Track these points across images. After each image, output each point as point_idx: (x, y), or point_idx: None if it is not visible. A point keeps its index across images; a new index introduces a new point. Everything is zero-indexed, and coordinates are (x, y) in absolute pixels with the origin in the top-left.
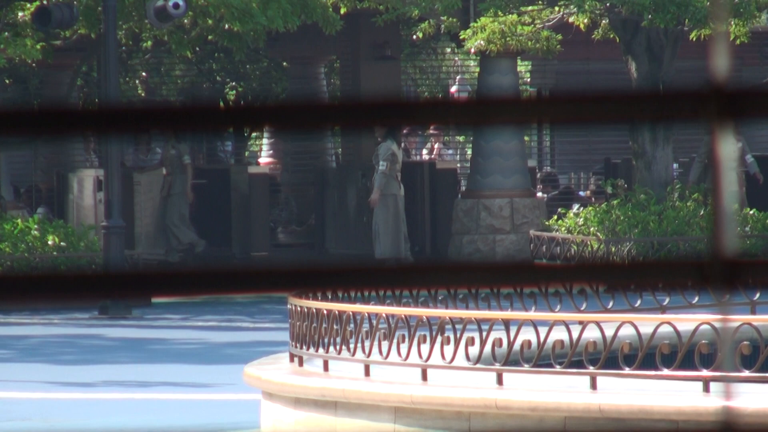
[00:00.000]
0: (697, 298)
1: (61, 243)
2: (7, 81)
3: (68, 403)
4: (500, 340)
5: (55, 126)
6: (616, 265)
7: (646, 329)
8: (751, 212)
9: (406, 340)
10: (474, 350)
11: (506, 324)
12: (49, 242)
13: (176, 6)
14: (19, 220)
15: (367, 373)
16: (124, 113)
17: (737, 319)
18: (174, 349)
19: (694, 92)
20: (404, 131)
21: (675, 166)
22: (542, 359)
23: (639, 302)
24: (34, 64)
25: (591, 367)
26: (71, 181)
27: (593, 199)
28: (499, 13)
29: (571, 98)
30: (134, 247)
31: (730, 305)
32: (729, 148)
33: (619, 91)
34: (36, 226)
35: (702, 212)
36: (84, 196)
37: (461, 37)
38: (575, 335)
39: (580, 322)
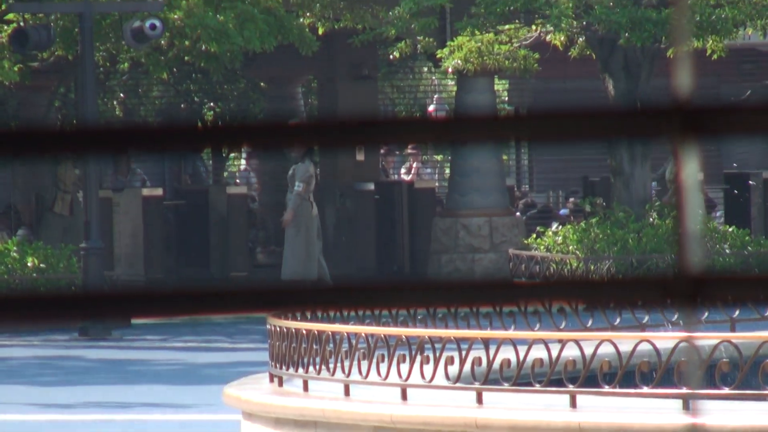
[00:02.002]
0: (676, 316)
1: (41, 265)
2: None
3: (48, 425)
4: (479, 359)
5: (32, 147)
6: (583, 281)
7: (625, 347)
8: (730, 230)
9: (386, 359)
10: (453, 369)
11: (485, 343)
12: (29, 264)
13: (153, 27)
14: None
15: (346, 392)
16: (102, 133)
17: (715, 337)
18: (154, 370)
19: (657, 109)
20: (382, 151)
21: (653, 184)
22: (522, 378)
23: (618, 320)
24: (11, 86)
25: (570, 386)
26: (49, 202)
27: (572, 217)
28: (476, 32)
29: (535, 116)
30: (113, 268)
31: (699, 323)
32: (693, 165)
33: (584, 108)
34: (15, 248)
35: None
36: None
37: (438, 57)
38: (555, 354)
39: (560, 341)
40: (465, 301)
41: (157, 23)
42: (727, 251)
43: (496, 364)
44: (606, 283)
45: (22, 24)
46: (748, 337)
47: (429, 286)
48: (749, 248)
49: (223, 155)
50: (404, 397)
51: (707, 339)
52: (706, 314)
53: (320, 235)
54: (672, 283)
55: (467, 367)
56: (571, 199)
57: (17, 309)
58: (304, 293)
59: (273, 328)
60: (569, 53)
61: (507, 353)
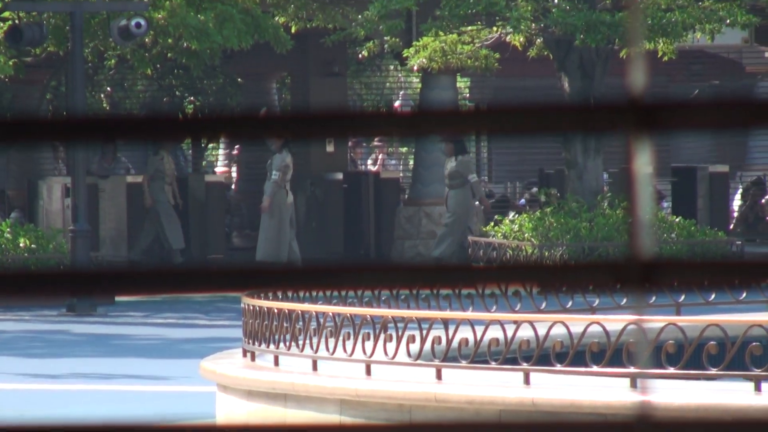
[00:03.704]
0: (625, 300)
1: (32, 245)
2: None
3: (36, 394)
4: (439, 338)
5: (26, 135)
6: (539, 266)
7: (576, 329)
8: (677, 220)
9: (352, 337)
10: (415, 347)
11: (445, 323)
12: (21, 244)
13: (138, 26)
14: None
15: (314, 368)
16: (89, 123)
17: (661, 320)
18: (135, 345)
19: (612, 105)
20: (350, 143)
21: (605, 176)
22: (479, 356)
23: (570, 303)
24: (6, 79)
25: (525, 364)
26: (41, 188)
27: (528, 207)
28: (440, 33)
29: (495, 110)
30: (99, 249)
31: (647, 307)
32: (644, 158)
33: (542, 104)
34: (8, 230)
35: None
36: (53, 201)
37: (404, 56)
38: (510, 334)
39: (515, 322)
40: (426, 283)
41: (142, 22)
42: (675, 239)
43: (455, 343)
44: (559, 267)
45: (16, 21)
46: (693, 320)
47: (392, 268)
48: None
49: (202, 145)
50: (368, 372)
51: (654, 322)
52: (654, 298)
53: (294, 222)
54: (622, 268)
55: (428, 345)
56: (527, 190)
57: (10, 286)
58: (276, 274)
59: (246, 307)
60: (528, 53)
61: (465, 333)
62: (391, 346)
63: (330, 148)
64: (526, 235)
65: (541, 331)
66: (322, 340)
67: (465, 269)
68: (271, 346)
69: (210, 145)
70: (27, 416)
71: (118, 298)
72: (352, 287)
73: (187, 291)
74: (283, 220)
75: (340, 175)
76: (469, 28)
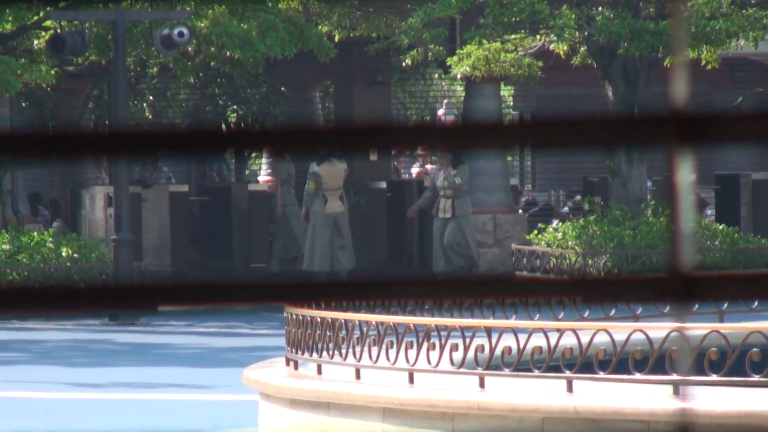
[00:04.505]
0: (668, 308)
1: (74, 255)
2: (23, 104)
3: (79, 403)
4: (482, 346)
5: (68, 149)
6: (582, 279)
7: (619, 336)
8: (721, 227)
9: (395, 345)
10: (458, 355)
11: (488, 331)
12: (63, 254)
13: (181, 34)
14: (35, 233)
15: (357, 376)
16: (132, 137)
17: (704, 327)
18: (178, 354)
19: (653, 117)
20: (393, 152)
21: (648, 184)
22: (522, 364)
23: (613, 311)
24: (48, 89)
25: (568, 372)
26: (84, 197)
27: (572, 215)
28: (484, 41)
29: (536, 123)
30: (142, 259)
31: (690, 314)
32: (686, 171)
33: (582, 116)
34: (51, 239)
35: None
36: (95, 211)
37: (448, 64)
38: (553, 342)
39: (558, 330)
40: (470, 294)
41: (185, 31)
42: (718, 247)
43: (498, 351)
44: (601, 281)
45: (58, 30)
46: (736, 327)
47: (437, 282)
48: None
49: (245, 155)
50: (411, 380)
51: (697, 329)
52: (697, 306)
53: (341, 231)
54: (663, 282)
55: (471, 353)
56: (570, 199)
57: (54, 299)
58: (319, 287)
59: (290, 316)
60: (571, 61)
61: (508, 341)
62: (434, 355)
63: (373, 157)
64: (569, 243)
65: (585, 339)
66: (365, 348)
67: (508, 282)
68: (314, 355)
69: (253, 154)
70: (69, 427)
71: (160, 308)
72: (396, 298)
73: (230, 303)
74: (317, 228)
75: (383, 184)
76: (513, 36)
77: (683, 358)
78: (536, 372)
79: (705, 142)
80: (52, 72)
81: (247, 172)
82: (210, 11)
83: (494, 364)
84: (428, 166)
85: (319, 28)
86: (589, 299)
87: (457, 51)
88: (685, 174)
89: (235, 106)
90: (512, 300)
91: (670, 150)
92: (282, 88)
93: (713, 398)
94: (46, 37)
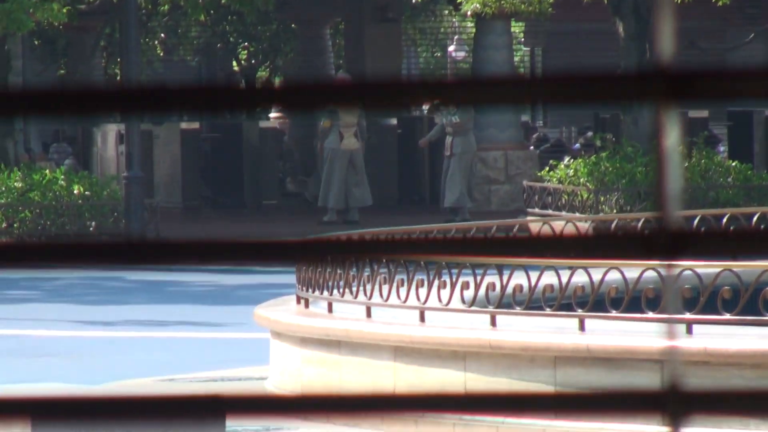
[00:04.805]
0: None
1: (86, 192)
2: (36, 42)
3: (92, 341)
4: (493, 284)
5: (81, 106)
6: (570, 237)
7: (632, 274)
8: (733, 164)
9: (405, 284)
10: (469, 294)
11: (499, 269)
12: (75, 191)
13: None
14: (47, 171)
15: (368, 314)
16: (145, 93)
17: (717, 265)
18: (190, 291)
19: (640, 73)
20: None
21: None
22: (533, 302)
23: None
24: (60, 27)
25: (580, 310)
26: (95, 135)
27: (583, 151)
28: None
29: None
30: (153, 196)
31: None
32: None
33: (571, 73)
34: (63, 177)
35: (686, 164)
36: (107, 148)
37: (458, 0)
38: (564, 280)
39: (570, 267)
40: (467, 252)
41: None
42: (731, 184)
43: (509, 289)
44: (588, 239)
45: None
46: (749, 266)
47: (452, 240)
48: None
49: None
50: (422, 319)
51: (710, 268)
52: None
53: (356, 167)
54: (649, 239)
55: (482, 291)
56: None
57: (64, 253)
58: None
59: None
60: None
61: (519, 279)
62: (445, 293)
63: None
64: (581, 180)
65: (596, 277)
66: (376, 286)
67: (503, 241)
68: (325, 293)
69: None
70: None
71: None
72: (408, 254)
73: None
74: (332, 164)
75: (394, 121)
76: None
77: (700, 296)
78: (548, 310)
79: (692, 99)
80: (64, 10)
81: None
82: None
83: (505, 302)
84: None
85: None
86: (578, 256)
87: None
88: (673, 135)
89: (245, 44)
90: (508, 258)
91: (657, 108)
92: (293, 25)
93: (726, 338)
94: None
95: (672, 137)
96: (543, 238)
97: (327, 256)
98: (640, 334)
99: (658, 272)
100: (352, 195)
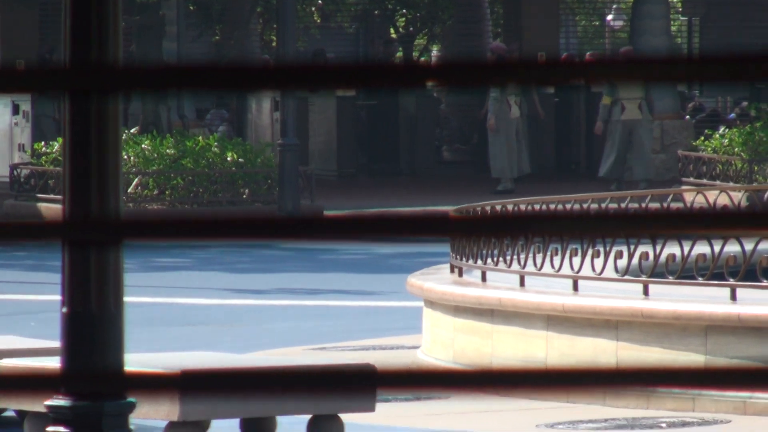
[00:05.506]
0: None
1: (239, 159)
2: (191, 8)
3: (243, 309)
4: (647, 253)
5: (236, 81)
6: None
7: None
8: None
9: (559, 253)
10: (622, 263)
11: (653, 239)
12: (228, 158)
13: None
14: (200, 138)
15: (522, 283)
16: (300, 71)
17: None
18: (342, 260)
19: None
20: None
21: None
22: (686, 272)
23: None
24: None
25: (731, 279)
26: (250, 101)
27: (738, 121)
28: None
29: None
30: (308, 163)
31: None
32: None
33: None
34: (216, 143)
35: None
36: (262, 115)
37: None
38: (717, 249)
39: (722, 237)
40: (606, 233)
41: None
42: None
43: (662, 259)
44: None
45: None
46: None
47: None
48: None
49: (415, 56)
50: (575, 288)
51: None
52: None
53: (518, 135)
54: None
55: (635, 261)
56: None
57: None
58: (477, 224)
59: None
60: None
61: (672, 249)
62: (598, 262)
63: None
64: (735, 149)
65: (748, 247)
66: (530, 255)
67: (596, 217)
68: (479, 262)
69: (422, 58)
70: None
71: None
72: (565, 231)
73: (388, 235)
74: (509, 135)
75: (551, 90)
76: None
77: None
78: (700, 280)
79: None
80: None
81: None
82: None
83: (658, 271)
84: None
85: None
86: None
87: None
88: None
89: (403, 11)
90: (678, 207)
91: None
92: None
93: None
94: None
95: None
96: (654, 212)
97: (482, 234)
98: None
99: None
100: (523, 163)
